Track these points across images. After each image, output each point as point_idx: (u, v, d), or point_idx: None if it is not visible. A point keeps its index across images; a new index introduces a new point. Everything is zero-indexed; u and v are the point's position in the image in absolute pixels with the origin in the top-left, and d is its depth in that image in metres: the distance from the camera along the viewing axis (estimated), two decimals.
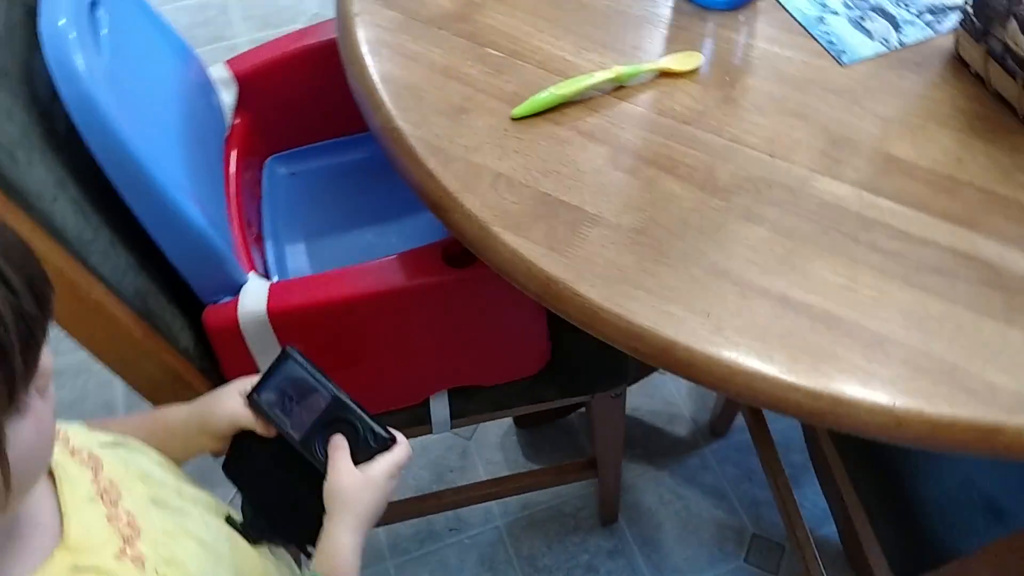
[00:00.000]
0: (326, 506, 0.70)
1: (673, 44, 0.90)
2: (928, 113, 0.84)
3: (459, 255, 0.91)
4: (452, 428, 1.08)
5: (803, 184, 0.79)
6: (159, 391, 0.91)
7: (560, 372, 1.06)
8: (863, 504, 1.02)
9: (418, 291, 0.90)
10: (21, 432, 0.47)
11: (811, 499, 1.47)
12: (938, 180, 0.79)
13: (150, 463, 0.68)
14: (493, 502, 1.46)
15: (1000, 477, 0.99)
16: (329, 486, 0.70)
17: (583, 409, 1.54)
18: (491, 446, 1.54)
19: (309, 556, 0.73)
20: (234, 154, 1.10)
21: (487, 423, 1.54)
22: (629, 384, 1.09)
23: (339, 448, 0.72)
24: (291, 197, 1.17)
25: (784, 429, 1.40)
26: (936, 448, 0.68)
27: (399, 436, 0.73)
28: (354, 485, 0.70)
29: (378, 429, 0.73)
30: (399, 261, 0.91)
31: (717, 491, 1.51)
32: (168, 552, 0.59)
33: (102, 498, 0.59)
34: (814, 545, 1.28)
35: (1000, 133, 0.83)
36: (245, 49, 1.15)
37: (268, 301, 0.90)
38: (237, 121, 1.12)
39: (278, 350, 0.94)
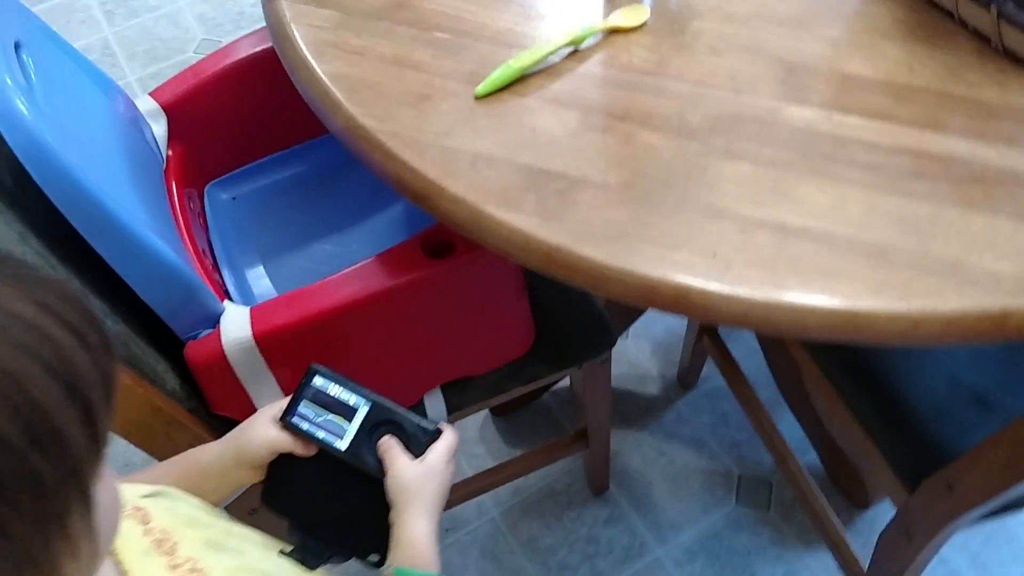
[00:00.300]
0: (394, 501, 0.70)
1: (615, 1, 0.90)
2: (872, 28, 0.87)
3: (438, 246, 0.90)
4: (450, 422, 1.06)
5: (772, 115, 0.80)
6: (153, 438, 0.87)
7: (547, 348, 1.06)
8: (858, 420, 1.05)
9: (404, 289, 0.89)
10: (102, 497, 0.44)
11: (786, 432, 1.50)
12: (896, 90, 0.82)
13: (193, 508, 0.65)
14: (484, 495, 1.45)
15: (982, 371, 1.03)
16: (393, 483, 0.70)
17: (555, 388, 1.54)
18: (471, 440, 1.53)
19: (376, 565, 0.72)
20: (174, 186, 1.06)
21: (463, 419, 1.53)
22: (612, 347, 1.09)
23: (393, 447, 0.71)
24: (238, 222, 1.13)
25: (750, 368, 1.43)
26: (950, 343, 0.70)
27: (444, 425, 0.73)
28: (418, 476, 0.70)
29: (424, 423, 0.73)
30: (379, 262, 0.89)
31: (697, 441, 1.53)
32: None
33: (158, 549, 0.57)
34: (806, 473, 1.31)
35: (941, 37, 0.86)
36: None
37: (252, 326, 0.87)
38: (171, 152, 1.07)
39: (267, 376, 0.91)
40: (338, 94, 0.83)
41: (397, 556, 0.68)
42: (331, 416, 0.72)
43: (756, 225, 0.73)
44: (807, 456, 1.48)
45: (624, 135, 0.79)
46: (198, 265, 0.97)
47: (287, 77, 0.90)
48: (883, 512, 1.44)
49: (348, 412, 0.72)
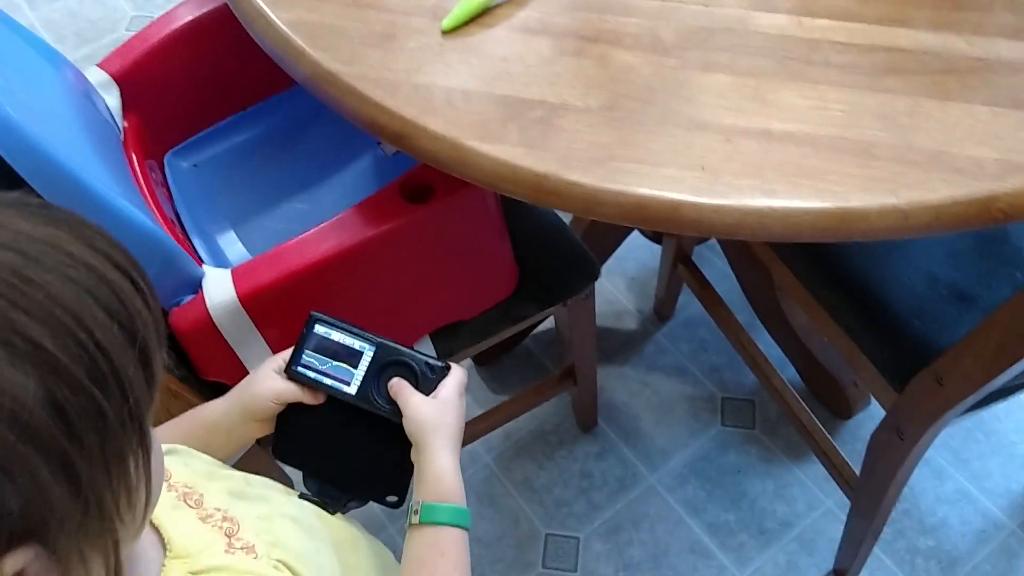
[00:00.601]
0: (414, 439, 0.69)
1: None
2: None
3: (417, 191, 0.89)
4: None
5: (743, 24, 0.80)
6: None
7: (532, 288, 1.05)
8: (840, 325, 1.06)
9: (387, 236, 0.87)
10: (154, 444, 0.43)
11: (765, 351, 1.52)
12: None
13: (206, 464, 0.65)
14: (476, 442, 1.46)
15: (958, 266, 1.05)
16: (410, 422, 0.69)
17: (536, 332, 1.54)
18: None
19: (395, 505, 0.72)
20: (135, 158, 1.03)
21: None
22: (596, 280, 1.09)
23: (404, 387, 0.71)
24: (203, 189, 1.11)
25: (725, 292, 1.44)
26: (940, 231, 0.71)
27: (450, 362, 0.73)
28: (435, 411, 0.69)
29: (432, 360, 0.72)
30: (359, 212, 0.88)
31: (679, 369, 1.55)
32: (270, 536, 0.57)
33: (186, 502, 0.56)
34: (790, 387, 1.33)
35: None
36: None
37: (235, 287, 0.86)
38: (127, 124, 1.04)
39: (256, 337, 0.90)
40: (300, 42, 0.81)
41: (423, 492, 0.68)
42: (336, 362, 0.71)
43: (740, 134, 0.73)
44: (787, 372, 1.50)
45: (598, 57, 0.78)
46: (171, 233, 0.95)
47: (237, 37, 0.88)
48: (865, 420, 1.47)
49: (353, 357, 0.72)
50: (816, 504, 1.42)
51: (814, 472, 1.44)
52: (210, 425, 0.71)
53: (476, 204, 0.92)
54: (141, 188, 0.99)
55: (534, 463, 1.47)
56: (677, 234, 1.35)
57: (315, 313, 0.73)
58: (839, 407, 1.45)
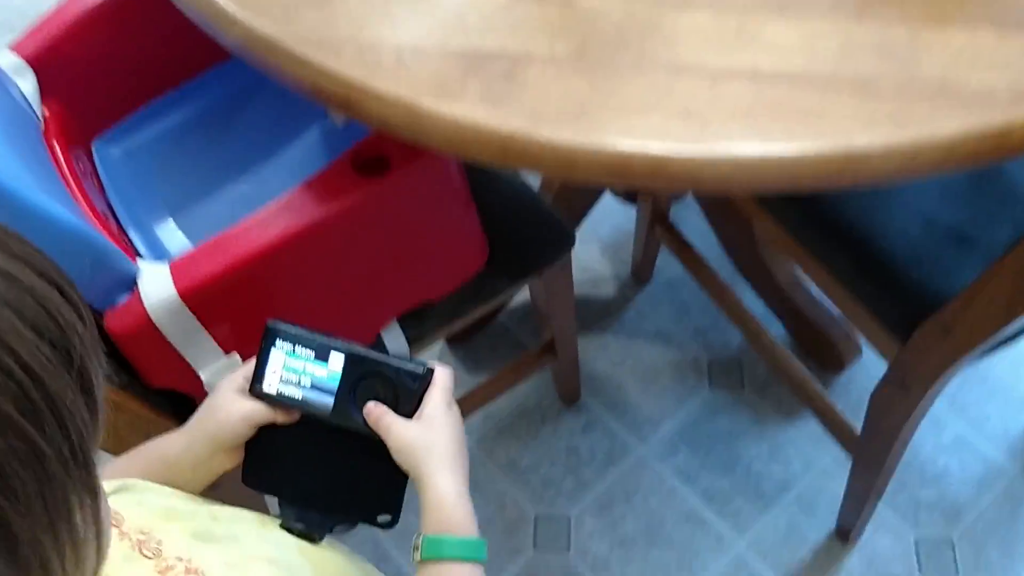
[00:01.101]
0: (407, 468, 0.61)
1: None
2: None
3: (371, 163, 0.81)
4: (412, 356, 0.98)
5: None
6: None
7: (504, 260, 0.98)
8: (838, 279, 1.00)
9: (341, 216, 0.79)
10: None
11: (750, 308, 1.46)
12: None
13: (164, 498, 0.57)
14: None
15: (954, 207, 0.98)
16: (397, 453, 0.62)
17: (510, 307, 1.47)
18: None
19: (387, 525, 0.64)
20: (58, 148, 0.94)
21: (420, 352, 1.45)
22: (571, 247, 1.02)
23: (382, 415, 0.62)
24: (136, 176, 1.01)
25: (704, 251, 1.37)
26: (951, 169, 0.65)
27: (433, 363, 0.65)
28: (420, 435, 0.61)
29: (410, 367, 0.64)
30: (308, 191, 0.80)
31: (661, 334, 1.48)
32: None
33: (141, 552, 0.48)
34: (778, 343, 1.27)
35: None
36: None
37: (175, 283, 0.77)
38: (47, 112, 0.94)
39: (203, 336, 0.82)
40: (228, 6, 0.72)
41: (425, 523, 0.60)
42: (305, 375, 0.64)
43: (727, 76, 0.65)
44: (773, 330, 1.44)
45: (561, 0, 0.70)
46: (100, 228, 0.86)
47: (162, 8, 0.79)
48: (857, 374, 1.42)
49: (322, 368, 0.64)
50: (813, 463, 1.37)
51: (808, 430, 1.39)
52: (170, 463, 0.63)
53: (437, 173, 0.84)
54: (66, 180, 0.90)
55: (518, 443, 1.40)
56: (653, 193, 1.28)
57: (272, 324, 0.65)
58: (829, 361, 1.39)
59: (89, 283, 0.76)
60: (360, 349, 0.64)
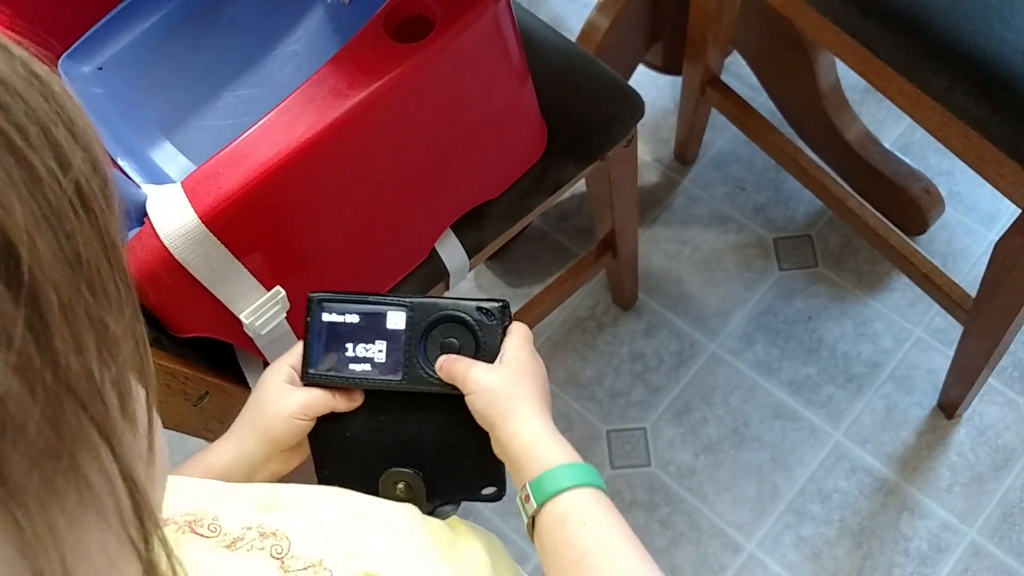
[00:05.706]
0: (489, 421, 0.52)
1: None
2: None
3: (408, 25, 0.65)
4: (471, 269, 0.84)
5: None
6: None
7: (565, 142, 0.82)
8: (956, 114, 0.85)
9: (382, 95, 0.64)
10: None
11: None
12: None
13: (203, 485, 0.47)
14: None
15: None
16: (478, 399, 0.52)
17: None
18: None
19: (495, 497, 0.55)
20: None
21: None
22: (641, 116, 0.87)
23: (454, 362, 0.53)
24: (115, 96, 0.85)
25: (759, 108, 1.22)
26: None
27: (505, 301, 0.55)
28: (504, 378, 0.52)
29: (483, 304, 0.54)
30: (336, 70, 0.64)
31: (717, 217, 1.34)
32: (342, 543, 0.42)
33: (194, 531, 0.40)
34: (859, 199, 1.12)
35: None
36: None
37: (193, 205, 0.62)
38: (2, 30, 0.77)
39: (235, 266, 0.67)
40: None
41: (522, 474, 0.50)
42: (363, 346, 0.53)
43: None
44: None
45: None
46: None
47: None
48: (939, 232, 1.28)
49: (381, 332, 0.54)
50: (904, 336, 1.24)
51: (894, 301, 1.26)
52: (219, 475, 0.52)
53: (489, 34, 0.68)
54: None
55: (576, 356, 1.26)
56: (703, 51, 1.12)
57: (315, 295, 0.54)
58: (911, 222, 1.25)
59: None
60: (421, 299, 0.54)
